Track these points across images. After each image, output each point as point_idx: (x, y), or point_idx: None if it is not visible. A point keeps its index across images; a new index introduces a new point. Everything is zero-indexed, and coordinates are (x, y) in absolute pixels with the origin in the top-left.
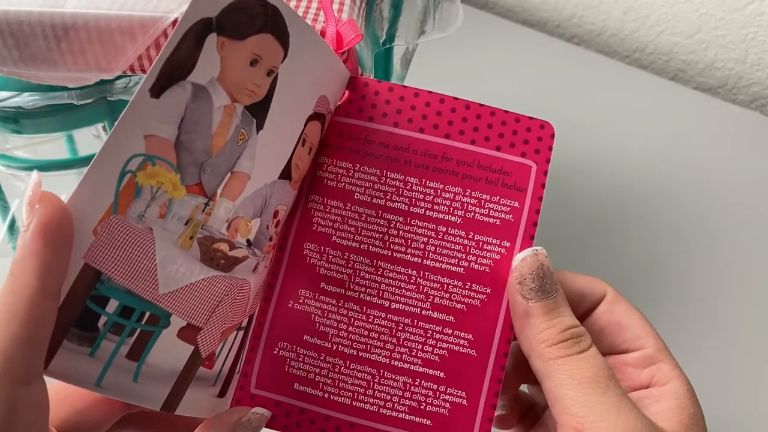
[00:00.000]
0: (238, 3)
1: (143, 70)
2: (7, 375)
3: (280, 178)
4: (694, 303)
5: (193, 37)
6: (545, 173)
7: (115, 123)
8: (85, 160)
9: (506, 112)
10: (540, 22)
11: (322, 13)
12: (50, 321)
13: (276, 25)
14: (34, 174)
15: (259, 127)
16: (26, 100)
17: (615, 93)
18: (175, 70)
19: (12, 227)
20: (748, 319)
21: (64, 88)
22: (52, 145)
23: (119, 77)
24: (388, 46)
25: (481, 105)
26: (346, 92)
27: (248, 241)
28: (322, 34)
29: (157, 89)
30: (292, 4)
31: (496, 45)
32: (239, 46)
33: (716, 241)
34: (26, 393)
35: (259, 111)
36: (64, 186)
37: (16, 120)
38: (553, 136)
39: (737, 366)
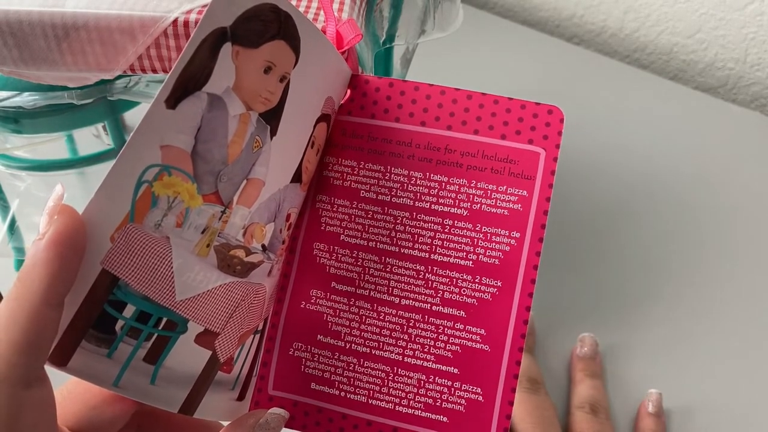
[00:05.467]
0: (252, 11)
1: (143, 70)
2: (8, 379)
3: (291, 181)
4: (694, 302)
5: (208, 48)
6: (555, 160)
7: (131, 133)
8: (85, 160)
9: (510, 99)
10: (540, 22)
11: (322, 12)
12: (52, 328)
13: (288, 31)
14: (58, 186)
15: (273, 133)
16: (26, 99)
17: (615, 93)
18: (190, 80)
19: (12, 227)
20: (748, 318)
21: (64, 88)
22: (52, 145)
23: (119, 77)
24: (388, 45)
25: (483, 94)
26: (348, 91)
27: (263, 246)
28: (322, 33)
29: (173, 100)
30: (293, 4)
31: (496, 45)
32: (253, 54)
33: (716, 241)
34: (27, 396)
35: (272, 117)
36: (65, 186)
37: (16, 120)
38: (562, 120)
39: (738, 365)
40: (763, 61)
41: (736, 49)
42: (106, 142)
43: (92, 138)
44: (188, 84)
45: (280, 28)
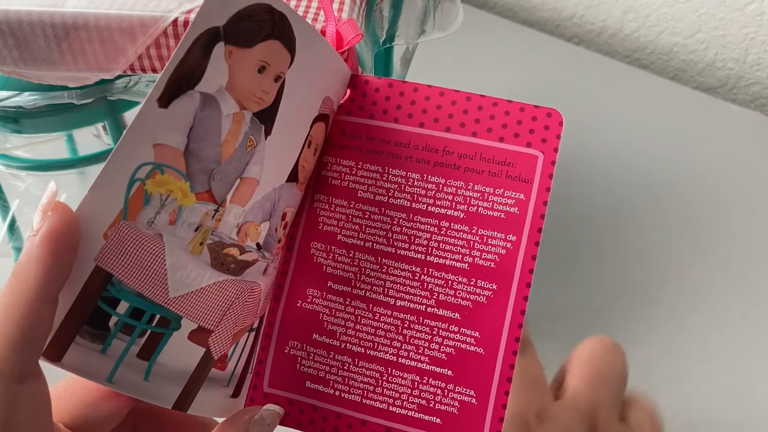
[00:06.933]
0: (245, 11)
1: (143, 70)
2: (2, 375)
3: (287, 180)
4: (693, 302)
5: (200, 47)
6: (553, 163)
7: (124, 132)
8: (85, 160)
9: (509, 102)
10: (540, 22)
11: (322, 12)
12: (46, 324)
13: (283, 31)
14: (52, 183)
15: (268, 132)
16: (26, 99)
17: (615, 93)
18: (183, 79)
19: (12, 227)
20: (748, 318)
21: (64, 88)
22: (52, 145)
23: (119, 77)
24: (388, 45)
25: (482, 96)
26: (348, 91)
27: (258, 244)
28: (322, 33)
29: (166, 99)
30: (292, 4)
31: (496, 45)
32: (247, 53)
33: (716, 241)
34: (22, 391)
35: (267, 117)
36: (65, 186)
37: (16, 120)
38: (561, 123)
39: (739, 365)
40: (763, 61)
41: (736, 49)
42: (106, 142)
43: (92, 138)
44: (181, 83)
45: (275, 28)
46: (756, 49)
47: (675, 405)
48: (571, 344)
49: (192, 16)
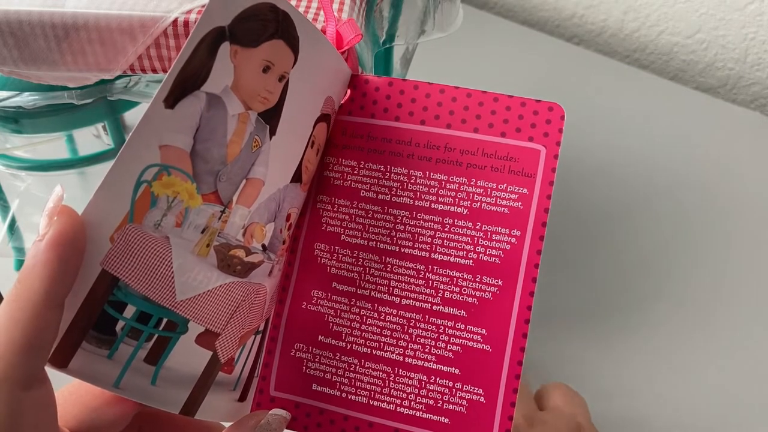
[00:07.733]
0: (250, 10)
1: (143, 70)
2: (8, 380)
3: (291, 181)
4: (694, 302)
5: (206, 47)
6: (556, 157)
7: (130, 133)
8: (85, 160)
9: (510, 97)
10: (540, 22)
11: (322, 12)
12: (52, 329)
13: (287, 31)
14: (58, 187)
15: (272, 133)
16: (26, 99)
17: (615, 93)
18: (188, 80)
19: (12, 227)
20: (748, 318)
21: (64, 88)
22: (52, 145)
23: (119, 77)
24: (388, 45)
25: (483, 92)
26: (348, 91)
27: (263, 245)
28: (322, 33)
29: (172, 100)
30: (293, 4)
31: (496, 45)
32: (252, 53)
33: (716, 241)
34: (27, 397)
35: (271, 117)
36: (65, 186)
37: (16, 120)
38: (563, 117)
39: (740, 365)
40: (763, 61)
41: (736, 49)
42: (106, 142)
43: (92, 138)
44: (187, 83)
45: (279, 27)
46: (756, 49)
47: (674, 404)
48: (571, 344)
49: (192, 16)
